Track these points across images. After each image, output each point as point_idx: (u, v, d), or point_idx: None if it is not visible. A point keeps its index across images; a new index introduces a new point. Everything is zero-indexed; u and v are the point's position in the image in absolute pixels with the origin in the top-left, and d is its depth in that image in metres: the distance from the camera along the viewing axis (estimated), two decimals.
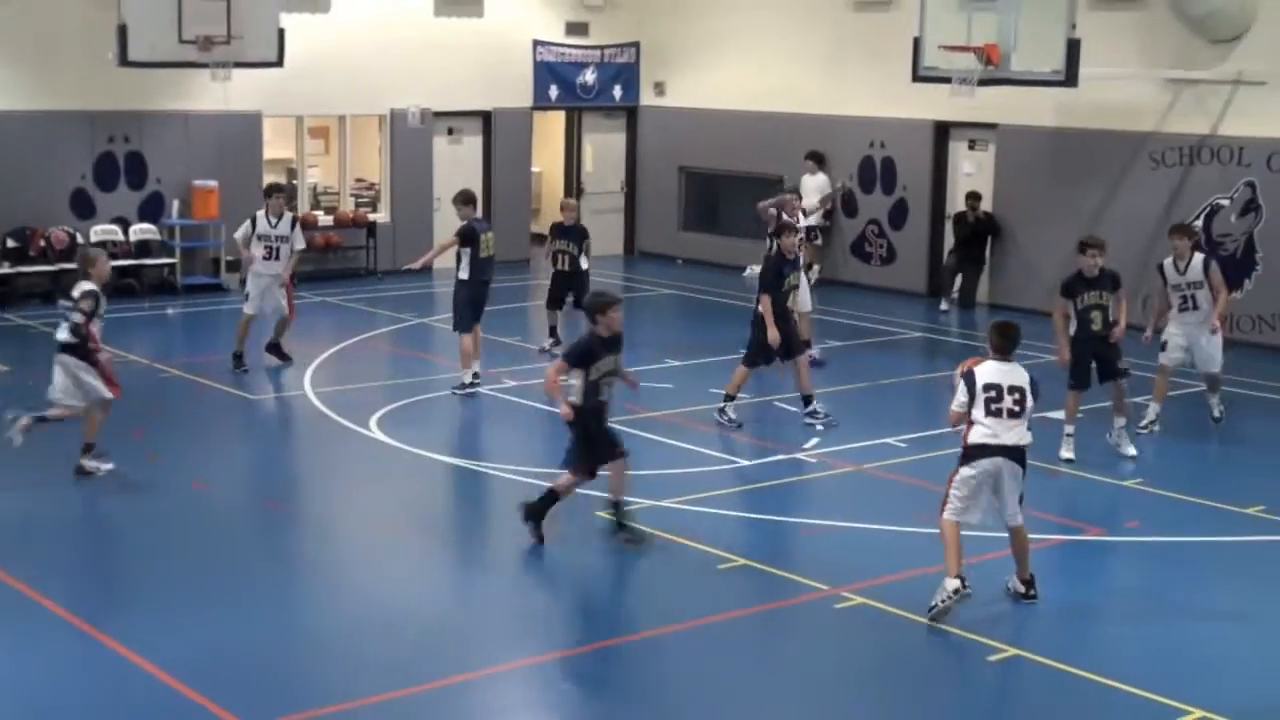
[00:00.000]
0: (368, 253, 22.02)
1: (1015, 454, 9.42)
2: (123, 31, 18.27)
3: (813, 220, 21.91)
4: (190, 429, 13.85)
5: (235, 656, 8.75)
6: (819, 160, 21.89)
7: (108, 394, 11.88)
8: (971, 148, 20.90)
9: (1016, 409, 9.43)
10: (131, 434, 13.35)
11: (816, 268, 21.97)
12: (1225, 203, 17.97)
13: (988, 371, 9.55)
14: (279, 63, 19.47)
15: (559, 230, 17.09)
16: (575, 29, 24.05)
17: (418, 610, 9.79)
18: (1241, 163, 17.78)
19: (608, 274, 23.13)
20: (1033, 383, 9.55)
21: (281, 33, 19.37)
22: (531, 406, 14.52)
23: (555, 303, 16.98)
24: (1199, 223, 18.18)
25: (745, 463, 12.72)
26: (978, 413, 9.45)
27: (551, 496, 10.62)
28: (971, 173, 20.81)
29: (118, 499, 11.67)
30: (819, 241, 22.04)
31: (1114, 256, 18.71)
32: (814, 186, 21.91)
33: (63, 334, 11.81)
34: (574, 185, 25.02)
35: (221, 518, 11.33)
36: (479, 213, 15.87)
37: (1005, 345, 9.62)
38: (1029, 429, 9.47)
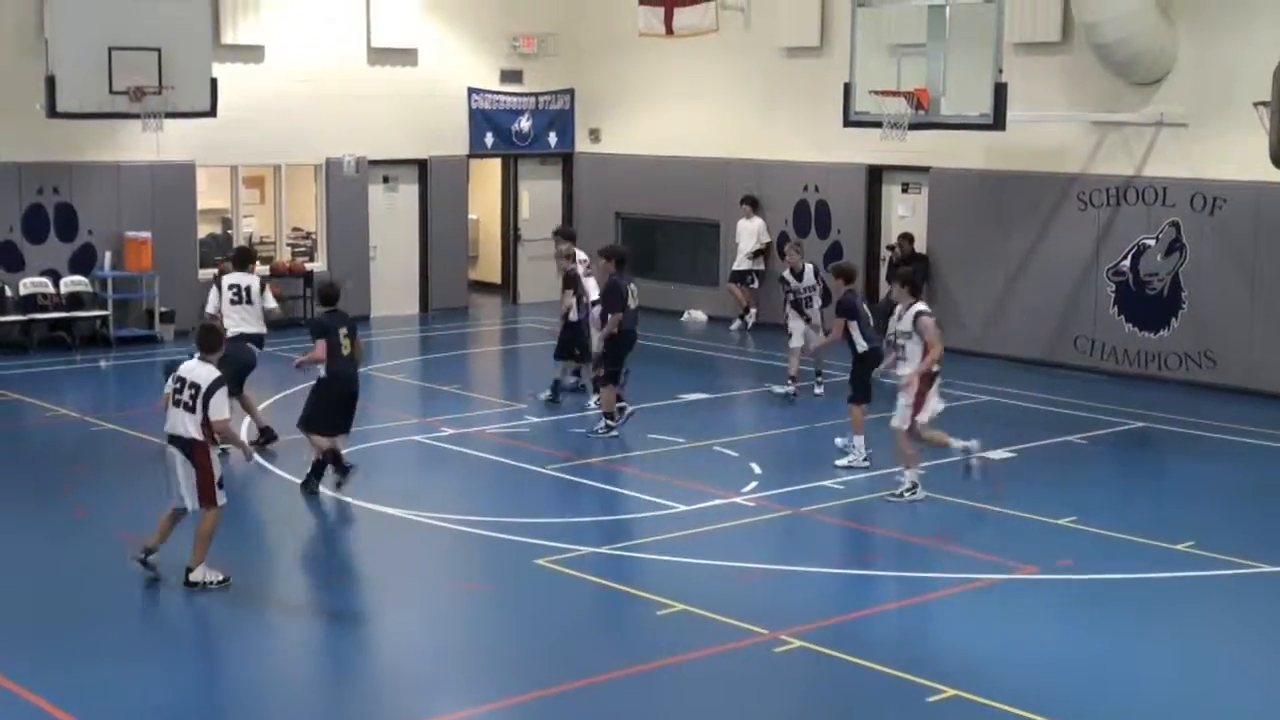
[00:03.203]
0: (305, 302, 21.92)
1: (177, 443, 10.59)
2: (51, 82, 18.16)
3: (749, 264, 22.12)
4: (123, 483, 13.69)
5: (170, 712, 8.65)
6: (754, 205, 22.08)
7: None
8: (905, 191, 21.14)
9: (190, 401, 10.47)
10: (61, 488, 13.22)
11: (754, 311, 22.13)
12: (1151, 243, 18.26)
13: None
14: (212, 112, 19.40)
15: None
16: (510, 76, 24.15)
17: (354, 661, 9.73)
18: (1166, 203, 18.09)
19: (545, 320, 23.16)
20: (214, 383, 10.49)
21: (214, 82, 19.31)
22: (470, 455, 14.49)
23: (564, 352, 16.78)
24: (1126, 263, 18.47)
25: (683, 507, 12.74)
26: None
27: None
28: (906, 215, 21.04)
29: (45, 552, 11.52)
30: (755, 285, 22.18)
31: (1043, 295, 19.12)
32: (749, 231, 22.09)
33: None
34: (511, 232, 25.07)
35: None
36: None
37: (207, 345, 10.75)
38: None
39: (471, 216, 24.78)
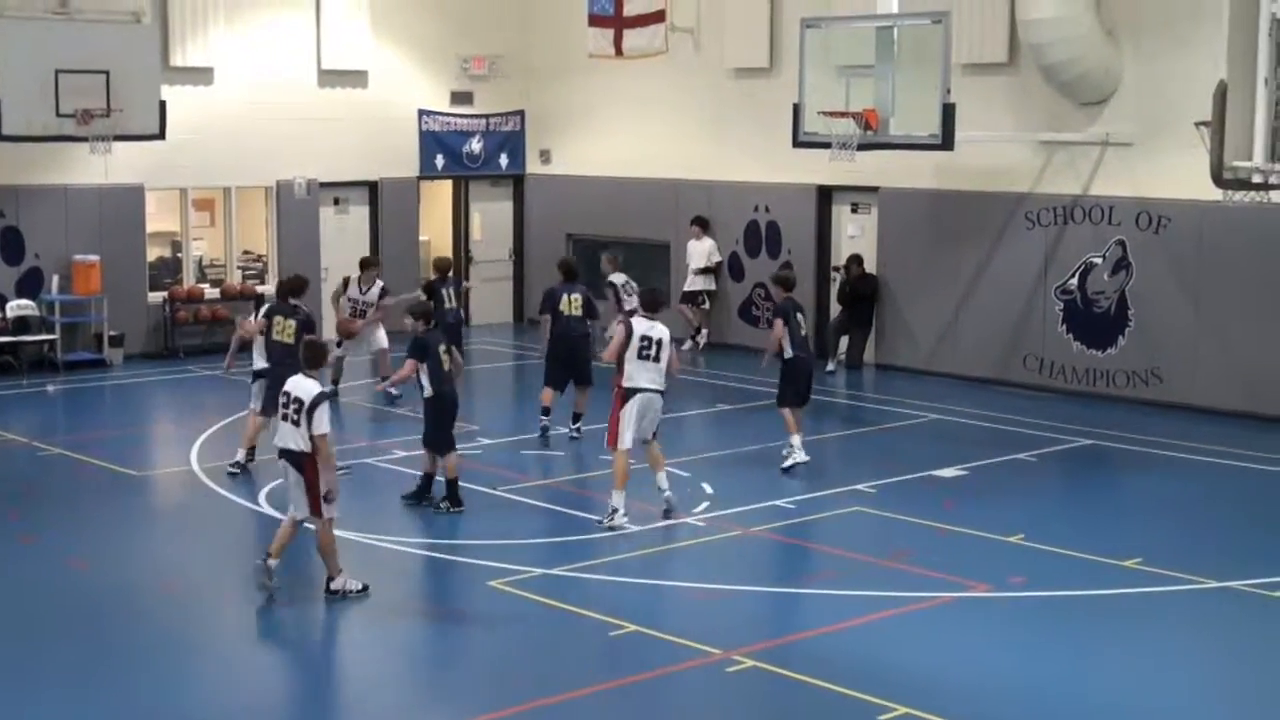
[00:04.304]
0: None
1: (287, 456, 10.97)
2: None
3: (700, 285, 22.19)
4: (71, 508, 13.57)
5: None
6: (704, 225, 22.16)
7: None
8: (855, 211, 21.26)
9: (295, 416, 10.72)
10: (6, 515, 13.09)
11: (705, 331, 22.20)
12: (1098, 261, 18.44)
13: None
14: (161, 135, 19.32)
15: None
16: (460, 98, 24.16)
17: (305, 685, 9.68)
18: (1112, 222, 18.27)
19: (498, 342, 23.16)
20: (315, 398, 10.74)
21: (163, 105, 19.24)
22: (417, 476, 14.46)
23: None
24: (1074, 281, 18.64)
25: (635, 528, 12.74)
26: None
27: None
28: (856, 235, 21.16)
29: None
30: (706, 306, 22.27)
31: (993, 314, 19.27)
32: (699, 252, 22.17)
33: None
34: (462, 254, 25.05)
35: (101, 597, 11.10)
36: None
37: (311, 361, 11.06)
38: None
39: (422, 238, 24.74)
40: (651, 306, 13.26)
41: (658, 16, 22.28)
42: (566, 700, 9.18)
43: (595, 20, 22.79)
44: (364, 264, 18.72)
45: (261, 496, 13.71)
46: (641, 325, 13.02)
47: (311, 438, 10.61)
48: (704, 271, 22.15)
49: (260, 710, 9.26)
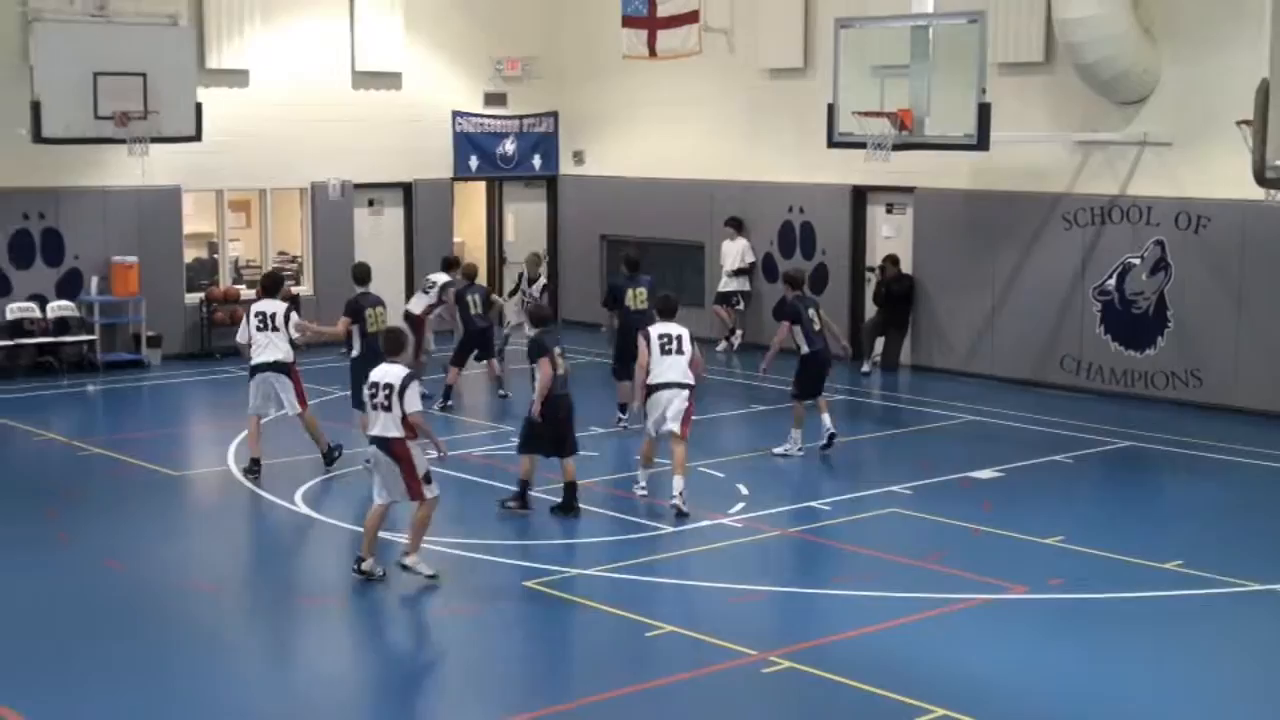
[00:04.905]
0: None
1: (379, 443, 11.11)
2: (36, 108, 18.17)
3: (734, 285, 22.16)
4: (109, 507, 13.64)
5: None
6: (738, 226, 22.13)
7: None
8: (889, 211, 21.19)
9: (385, 401, 10.97)
10: (45, 513, 13.17)
11: (740, 332, 22.16)
12: (1136, 261, 18.31)
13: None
14: (197, 137, 19.43)
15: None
16: (494, 100, 24.21)
17: (342, 688, 9.70)
18: (1150, 222, 18.15)
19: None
20: (405, 379, 11.06)
21: (199, 107, 19.35)
22: (457, 478, 14.46)
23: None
24: (1112, 282, 18.52)
25: (671, 529, 12.73)
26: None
27: None
28: (891, 236, 21.08)
29: (27, 579, 11.46)
30: (741, 306, 22.24)
31: (1030, 315, 19.18)
32: (733, 252, 22.14)
33: None
34: (496, 255, 25.09)
35: (138, 597, 11.15)
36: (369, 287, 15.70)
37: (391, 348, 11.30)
38: None
39: (456, 239, 24.79)
40: (667, 313, 13.70)
41: (691, 17, 22.28)
42: (604, 700, 9.17)
43: (629, 21, 22.79)
44: (451, 263, 18.95)
45: (297, 496, 13.75)
46: (657, 327, 13.52)
47: (406, 417, 10.88)
48: (738, 272, 22.13)
49: (295, 708, 9.28)
